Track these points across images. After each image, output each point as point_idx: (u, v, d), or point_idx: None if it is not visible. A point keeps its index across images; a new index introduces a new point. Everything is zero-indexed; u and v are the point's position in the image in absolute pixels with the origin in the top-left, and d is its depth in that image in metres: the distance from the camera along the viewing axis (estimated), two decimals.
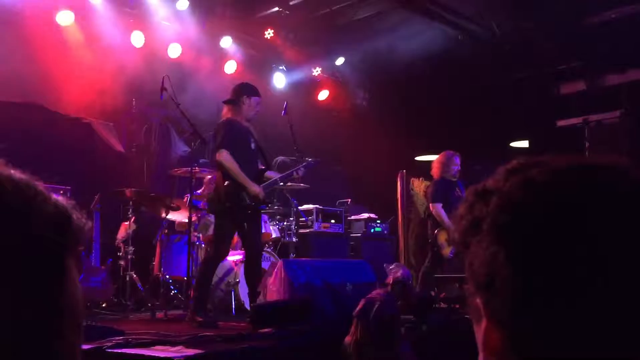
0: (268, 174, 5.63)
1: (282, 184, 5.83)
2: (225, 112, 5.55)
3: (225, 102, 5.59)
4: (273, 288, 4.85)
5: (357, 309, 2.96)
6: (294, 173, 5.75)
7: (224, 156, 5.22)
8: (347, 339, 3.02)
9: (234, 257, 6.52)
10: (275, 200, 7.75)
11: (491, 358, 0.66)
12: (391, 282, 3.59)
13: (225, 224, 5.34)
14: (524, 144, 9.53)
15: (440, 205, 6.87)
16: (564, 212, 0.61)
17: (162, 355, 3.40)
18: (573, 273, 0.60)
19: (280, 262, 5.00)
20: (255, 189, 5.26)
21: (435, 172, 7.14)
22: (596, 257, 0.59)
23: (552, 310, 0.60)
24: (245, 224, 5.31)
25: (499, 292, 0.63)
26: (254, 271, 5.39)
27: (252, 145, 5.47)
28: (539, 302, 0.61)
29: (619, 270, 0.59)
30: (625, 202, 0.61)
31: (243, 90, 5.55)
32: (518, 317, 0.62)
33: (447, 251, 6.89)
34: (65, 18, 7.39)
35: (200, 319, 5.02)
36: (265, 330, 4.28)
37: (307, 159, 5.90)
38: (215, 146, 5.31)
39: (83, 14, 7.57)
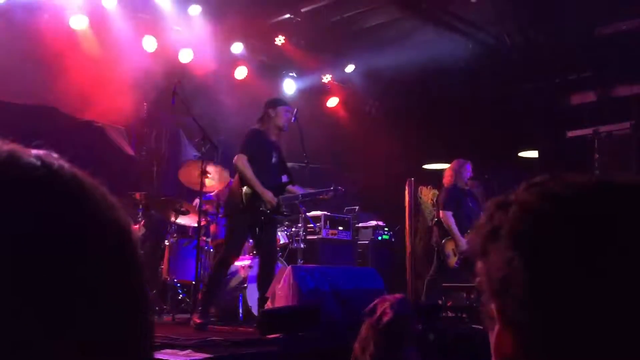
0: (291, 188, 5.71)
1: (301, 199, 5.86)
2: (258, 126, 5.69)
3: (258, 120, 5.74)
4: (281, 294, 4.86)
5: (368, 307, 2.93)
6: (320, 195, 5.87)
7: (240, 161, 5.39)
8: (356, 343, 3.00)
9: (242, 262, 6.54)
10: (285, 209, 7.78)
11: None
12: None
13: (238, 226, 5.45)
14: (534, 154, 9.50)
15: (451, 213, 6.85)
16: (580, 221, 0.63)
17: (170, 358, 3.42)
18: (587, 281, 0.61)
19: (288, 268, 5.02)
20: (268, 195, 5.36)
21: (447, 179, 7.13)
22: (611, 267, 0.61)
23: (565, 317, 0.61)
24: (257, 229, 5.39)
25: (513, 297, 0.64)
26: (267, 278, 5.45)
27: (274, 160, 5.60)
28: (552, 309, 0.62)
29: (636, 280, 0.60)
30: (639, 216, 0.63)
31: (267, 105, 5.73)
32: (531, 323, 0.63)
33: (452, 261, 6.86)
34: (78, 22, 7.46)
35: (199, 321, 5.11)
36: (274, 336, 4.30)
37: (337, 187, 5.91)
38: (237, 151, 5.47)
39: (96, 19, 7.63)
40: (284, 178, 5.68)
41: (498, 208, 0.70)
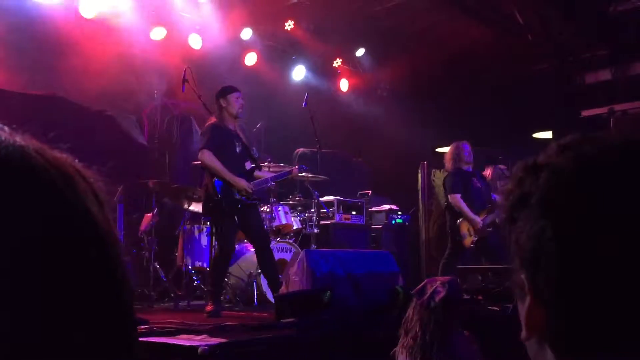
0: (258, 173, 5.81)
1: (272, 183, 6.14)
2: (212, 119, 5.69)
3: (211, 113, 5.77)
4: (295, 278, 4.85)
5: (417, 288, 2.82)
6: (287, 176, 6.06)
7: (206, 156, 5.42)
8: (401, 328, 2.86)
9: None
10: (297, 192, 7.81)
11: (534, 335, 0.64)
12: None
13: (222, 220, 5.49)
14: (548, 134, 9.41)
15: (459, 195, 6.84)
16: (617, 191, 0.59)
17: (186, 344, 3.42)
18: (621, 252, 0.58)
19: (302, 253, 5.00)
20: (242, 183, 5.43)
21: (448, 164, 7.14)
22: None
23: (597, 290, 0.58)
24: (236, 217, 5.41)
25: (544, 268, 0.61)
26: (267, 262, 5.52)
27: (237, 149, 5.60)
28: (584, 280, 0.59)
29: None
30: None
31: (218, 95, 5.70)
32: (562, 295, 0.60)
33: (468, 241, 6.85)
34: (88, 10, 7.44)
35: (211, 309, 5.15)
36: (288, 320, 4.29)
37: (300, 165, 6.35)
38: (199, 148, 5.53)
39: (106, 6, 7.61)
40: (248, 165, 5.71)
41: (528, 172, 0.66)
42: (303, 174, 6.67)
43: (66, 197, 0.51)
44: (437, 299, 2.67)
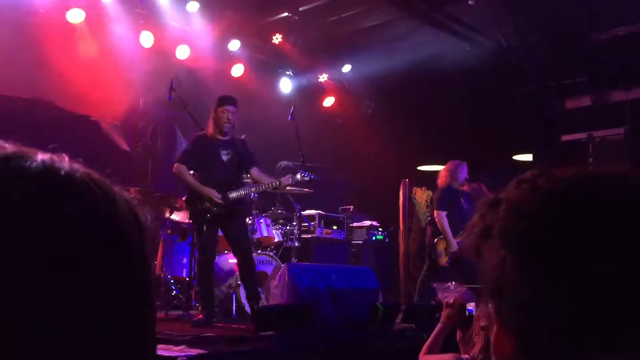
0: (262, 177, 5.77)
1: (255, 195, 6.23)
2: (205, 128, 5.71)
3: (196, 123, 5.85)
4: (276, 292, 4.86)
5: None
6: (269, 184, 5.72)
7: (177, 169, 5.55)
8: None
9: (235, 259, 6.53)
10: (278, 204, 7.81)
11: None
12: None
13: (198, 230, 5.56)
14: (528, 157, 9.54)
15: (445, 213, 6.87)
16: (569, 218, 0.63)
17: (165, 354, 3.41)
18: (578, 277, 0.61)
19: (284, 266, 5.02)
20: (209, 193, 5.41)
21: (442, 180, 7.15)
22: (601, 262, 0.61)
23: (559, 314, 0.61)
24: (204, 227, 5.41)
25: (508, 296, 0.64)
26: (245, 274, 5.50)
27: (225, 157, 5.54)
28: (546, 307, 0.62)
29: (623, 272, 0.60)
30: (626, 207, 0.63)
31: (215, 104, 5.60)
32: (526, 322, 0.63)
33: (443, 260, 6.88)
34: (75, 16, 7.42)
35: (202, 317, 5.10)
36: (268, 333, 4.30)
37: (303, 172, 5.82)
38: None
39: (94, 13, 7.60)
40: (237, 174, 5.69)
41: (489, 207, 0.70)
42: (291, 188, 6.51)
43: (106, 219, 0.53)
44: None
